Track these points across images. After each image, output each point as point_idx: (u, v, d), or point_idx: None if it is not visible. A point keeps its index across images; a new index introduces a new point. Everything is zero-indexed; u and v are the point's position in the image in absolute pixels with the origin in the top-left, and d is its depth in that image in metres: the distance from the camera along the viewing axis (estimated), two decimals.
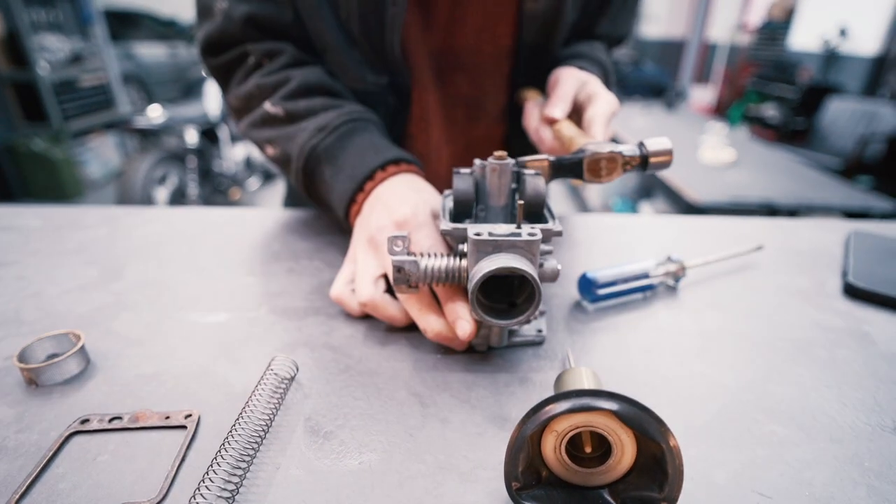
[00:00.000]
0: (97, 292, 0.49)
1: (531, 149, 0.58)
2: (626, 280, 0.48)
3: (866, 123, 4.09)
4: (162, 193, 2.94)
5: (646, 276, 0.50)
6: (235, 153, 3.51)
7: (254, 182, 3.74)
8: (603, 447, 0.28)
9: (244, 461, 0.29)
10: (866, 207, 2.07)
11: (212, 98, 3.29)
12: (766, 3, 5.83)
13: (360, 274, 0.44)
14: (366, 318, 0.46)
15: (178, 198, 3.06)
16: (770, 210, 2.01)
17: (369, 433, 0.33)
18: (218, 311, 0.46)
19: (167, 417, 0.34)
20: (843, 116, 4.45)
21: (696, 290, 0.52)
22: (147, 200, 2.79)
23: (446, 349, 0.42)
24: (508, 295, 0.39)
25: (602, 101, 0.52)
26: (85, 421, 0.33)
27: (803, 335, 0.45)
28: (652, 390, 0.38)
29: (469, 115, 0.69)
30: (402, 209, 0.44)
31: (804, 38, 5.05)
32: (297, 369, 0.38)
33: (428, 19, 0.60)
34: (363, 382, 0.38)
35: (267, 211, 0.69)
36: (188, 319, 0.45)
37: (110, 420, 0.34)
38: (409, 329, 0.44)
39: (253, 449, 0.30)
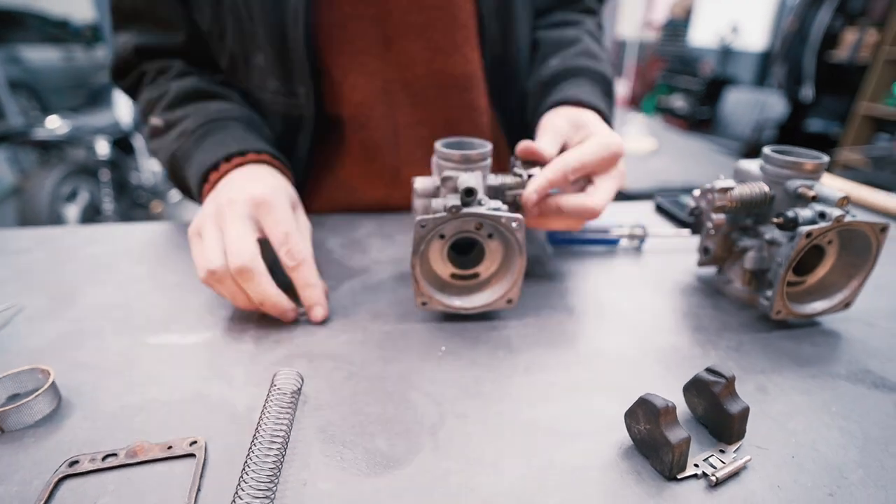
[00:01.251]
0: (51, 322, 0.44)
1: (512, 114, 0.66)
2: (588, 231, 0.58)
3: (759, 111, 4.55)
4: (72, 211, 2.66)
5: (606, 231, 0.58)
6: (154, 163, 3.25)
7: (175, 193, 3.49)
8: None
9: (271, 483, 0.28)
10: None
11: (123, 106, 3.03)
12: (669, 2, 6.30)
13: (227, 240, 0.42)
14: (360, 322, 0.45)
15: (92, 214, 2.79)
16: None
17: (390, 437, 0.33)
18: (198, 330, 0.43)
19: (169, 447, 0.31)
20: (740, 105, 4.92)
21: (656, 258, 0.56)
22: (56, 220, 2.52)
23: (447, 345, 0.42)
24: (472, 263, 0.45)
25: (586, 144, 0.47)
26: (74, 463, 0.30)
27: None
28: (594, 315, 0.40)
29: (438, 84, 0.64)
30: (255, 187, 0.46)
31: (703, 35, 5.51)
32: (303, 381, 0.36)
33: None
34: (372, 388, 0.37)
35: None
36: (166, 342, 0.42)
37: (104, 458, 0.31)
38: (405, 330, 0.44)
39: (277, 469, 0.29)
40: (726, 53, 5.27)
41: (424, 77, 0.63)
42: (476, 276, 0.45)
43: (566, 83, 0.59)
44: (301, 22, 0.54)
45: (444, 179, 0.44)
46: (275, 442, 0.30)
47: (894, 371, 0.40)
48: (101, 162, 2.83)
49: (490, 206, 0.41)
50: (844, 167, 3.34)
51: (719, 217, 0.47)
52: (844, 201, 0.41)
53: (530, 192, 0.46)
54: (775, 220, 0.43)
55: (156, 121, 0.58)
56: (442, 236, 0.42)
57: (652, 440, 0.31)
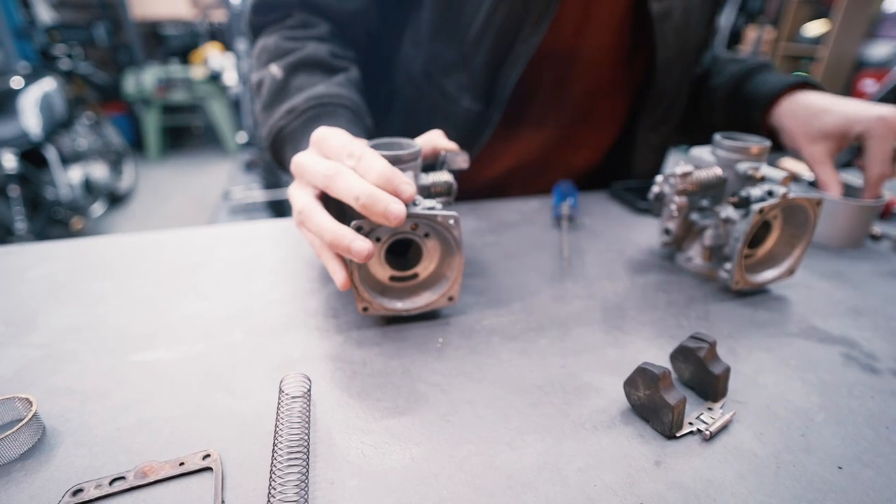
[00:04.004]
0: (13, 348, 0.41)
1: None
2: None
3: None
4: None
5: None
6: (71, 176, 2.99)
7: (98, 207, 3.24)
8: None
9: (302, 488, 0.28)
10: None
11: (30, 113, 2.75)
12: None
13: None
14: (353, 322, 0.45)
15: (3, 235, 2.52)
16: None
17: (407, 429, 0.34)
18: (185, 343, 0.42)
19: (181, 464, 0.30)
20: None
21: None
22: None
23: (445, 337, 0.43)
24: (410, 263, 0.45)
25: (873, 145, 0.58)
26: (78, 491, 0.29)
27: None
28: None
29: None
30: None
31: None
32: (311, 382, 0.36)
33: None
34: (378, 384, 0.38)
35: (190, 231, 0.62)
36: (152, 359, 0.40)
37: (111, 482, 0.29)
38: (399, 325, 0.45)
39: (305, 473, 0.29)
40: None
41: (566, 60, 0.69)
42: (415, 276, 0.45)
43: (760, 76, 0.68)
44: (525, 57, 0.59)
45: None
46: (298, 446, 0.30)
47: (835, 326, 0.46)
48: (8, 177, 2.57)
49: (424, 206, 0.41)
50: None
51: (682, 199, 0.51)
52: (787, 180, 0.47)
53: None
54: (731, 199, 0.48)
55: (276, 69, 0.57)
56: (378, 239, 0.41)
57: (652, 404, 0.33)
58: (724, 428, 0.34)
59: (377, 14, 0.65)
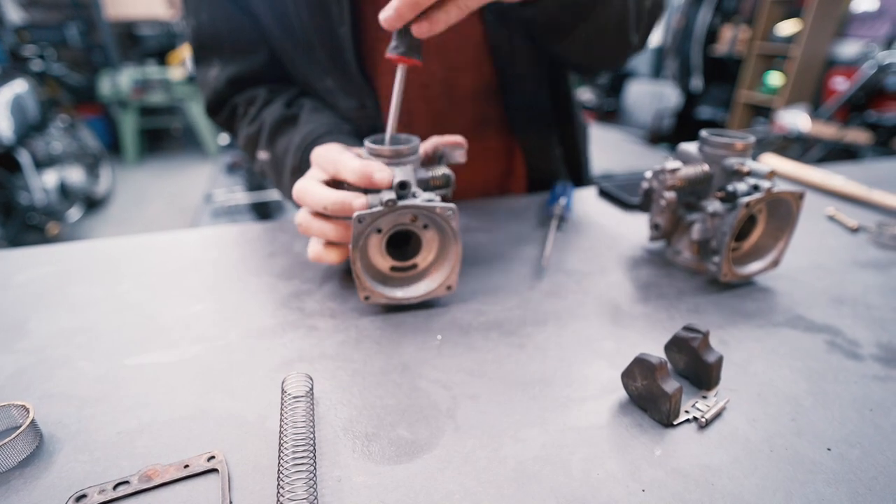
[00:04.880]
0: (4, 355, 0.40)
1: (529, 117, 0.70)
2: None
3: (658, 101, 4.97)
4: None
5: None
6: (46, 181, 2.91)
7: (75, 212, 3.16)
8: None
9: (311, 486, 0.28)
10: None
11: (1, 116, 2.67)
12: None
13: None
14: (350, 322, 0.45)
15: None
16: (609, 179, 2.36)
17: (411, 424, 0.34)
18: (181, 346, 0.41)
19: (186, 466, 0.30)
20: (641, 96, 5.34)
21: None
22: None
23: (442, 333, 0.44)
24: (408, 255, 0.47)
25: None
26: (81, 497, 0.28)
27: None
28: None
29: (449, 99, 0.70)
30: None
31: None
32: (312, 382, 0.36)
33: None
34: (380, 381, 0.38)
35: (178, 234, 0.62)
36: (148, 362, 0.39)
37: (115, 486, 0.29)
38: (397, 323, 0.45)
39: (313, 472, 0.29)
40: None
41: (442, 96, 0.68)
42: (415, 266, 0.47)
43: None
44: (351, 52, 0.59)
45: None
46: (304, 445, 0.30)
47: (819, 315, 0.48)
48: None
49: (424, 198, 0.42)
50: None
51: (671, 195, 0.52)
52: (771, 175, 0.48)
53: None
54: (718, 194, 0.49)
55: (263, 155, 0.62)
56: (379, 230, 0.43)
57: (649, 394, 0.34)
58: (718, 415, 0.35)
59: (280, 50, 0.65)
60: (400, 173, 0.43)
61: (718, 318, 0.47)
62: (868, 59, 3.04)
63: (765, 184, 0.47)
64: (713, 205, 0.50)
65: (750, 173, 0.49)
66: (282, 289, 0.50)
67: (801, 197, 0.49)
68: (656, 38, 5.32)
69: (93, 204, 3.41)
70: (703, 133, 0.52)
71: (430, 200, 0.42)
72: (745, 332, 0.45)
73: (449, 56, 0.66)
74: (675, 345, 0.38)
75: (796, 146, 2.76)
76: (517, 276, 0.54)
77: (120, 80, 4.08)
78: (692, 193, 0.54)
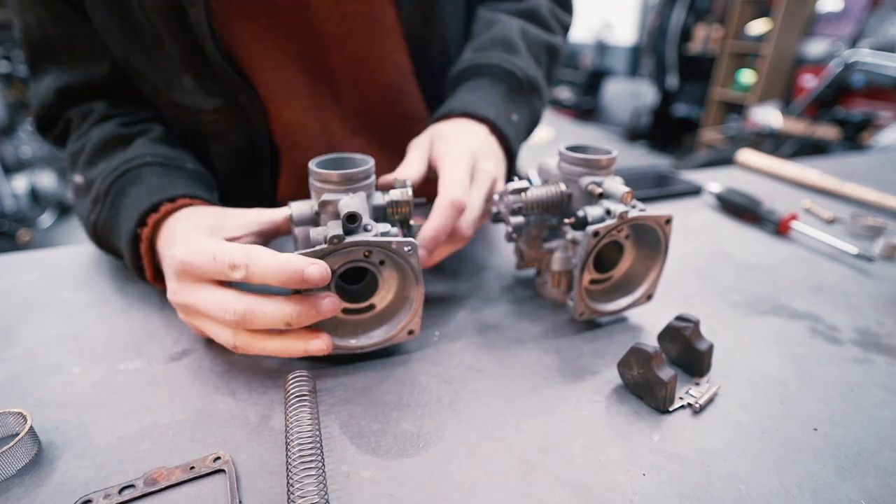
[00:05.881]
0: None
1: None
2: None
3: (635, 99, 5.06)
4: None
5: None
6: (15, 186, 2.82)
7: (47, 218, 3.06)
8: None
9: (321, 482, 0.28)
10: (654, 165, 2.60)
11: None
12: None
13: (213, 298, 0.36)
14: None
15: None
16: None
17: (415, 419, 0.34)
18: (176, 349, 0.41)
19: (192, 468, 0.30)
20: (618, 95, 5.43)
21: None
22: None
23: (440, 330, 0.44)
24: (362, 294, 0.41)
25: (445, 171, 0.44)
26: (87, 503, 0.28)
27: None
28: None
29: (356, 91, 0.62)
30: (174, 250, 0.37)
31: (580, 31, 5.97)
32: (314, 379, 0.36)
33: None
34: (381, 378, 0.38)
35: None
36: (143, 367, 0.39)
37: (120, 491, 0.29)
38: None
39: (322, 469, 0.29)
40: (602, 48, 5.77)
41: (352, 89, 0.61)
42: (372, 307, 0.41)
43: (464, 86, 0.57)
44: (209, 37, 0.48)
45: (323, 204, 0.38)
46: (311, 443, 0.30)
47: (800, 303, 0.50)
48: None
49: (378, 231, 0.36)
50: (708, 146, 3.85)
51: (517, 219, 0.44)
52: (628, 196, 0.40)
53: (425, 256, 0.42)
54: (566, 220, 0.42)
55: (77, 178, 0.50)
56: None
57: (646, 382, 0.35)
58: (711, 400, 0.36)
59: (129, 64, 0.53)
60: (349, 203, 0.36)
61: (711, 312, 0.48)
62: (834, 57, 3.15)
63: (618, 208, 0.40)
64: (572, 231, 0.43)
65: (604, 195, 0.42)
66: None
67: (668, 222, 0.42)
68: (631, 36, 5.42)
69: (65, 209, 3.31)
70: (561, 148, 0.45)
71: (385, 233, 0.36)
72: (733, 320, 0.46)
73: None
74: (667, 334, 0.40)
75: (769, 142, 2.85)
76: (511, 272, 0.54)
77: None
78: (555, 216, 0.46)
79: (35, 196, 2.99)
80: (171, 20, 0.48)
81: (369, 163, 0.40)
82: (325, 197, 0.38)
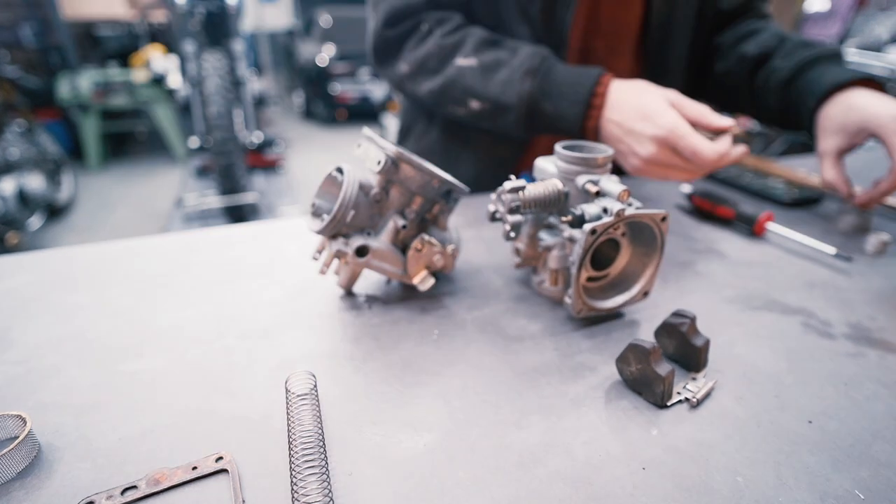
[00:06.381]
0: None
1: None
2: None
3: None
4: None
5: None
6: (3, 188, 2.78)
7: (36, 221, 3.03)
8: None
9: (324, 481, 0.28)
10: None
11: None
12: None
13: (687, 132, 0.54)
14: (347, 320, 0.45)
15: None
16: None
17: (416, 417, 0.35)
18: (176, 350, 0.41)
19: (194, 468, 0.30)
20: None
21: None
22: None
23: (439, 329, 0.44)
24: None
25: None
26: None
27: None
28: None
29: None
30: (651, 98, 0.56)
31: None
32: (316, 379, 0.36)
33: None
34: (382, 377, 0.38)
35: (161, 238, 0.60)
36: (143, 367, 0.39)
37: (123, 492, 0.28)
38: (394, 321, 0.45)
39: (325, 468, 0.29)
40: None
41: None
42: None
43: (815, 70, 0.67)
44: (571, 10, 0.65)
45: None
46: (313, 442, 0.30)
47: (793, 298, 0.50)
48: None
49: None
50: None
51: (514, 218, 0.44)
52: (625, 194, 0.41)
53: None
54: (563, 219, 0.43)
55: (467, 61, 0.63)
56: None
57: (644, 377, 0.36)
58: (708, 395, 0.37)
59: None
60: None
61: (706, 307, 0.49)
62: None
63: (615, 206, 0.40)
64: (569, 229, 0.43)
65: (601, 193, 0.43)
66: (276, 289, 0.50)
67: (664, 219, 0.42)
68: None
69: (55, 212, 3.28)
70: (557, 146, 0.46)
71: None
72: (727, 316, 0.47)
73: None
74: (664, 330, 0.40)
75: (759, 140, 2.88)
76: (508, 270, 0.55)
77: (80, 83, 3.93)
78: (552, 214, 0.47)
79: (23, 198, 2.95)
80: None
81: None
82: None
